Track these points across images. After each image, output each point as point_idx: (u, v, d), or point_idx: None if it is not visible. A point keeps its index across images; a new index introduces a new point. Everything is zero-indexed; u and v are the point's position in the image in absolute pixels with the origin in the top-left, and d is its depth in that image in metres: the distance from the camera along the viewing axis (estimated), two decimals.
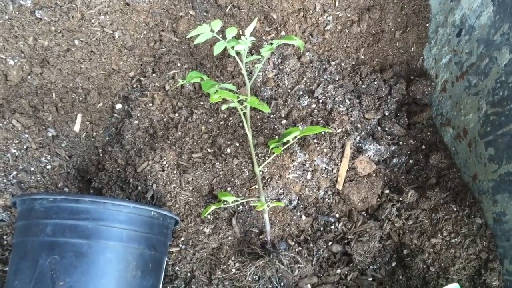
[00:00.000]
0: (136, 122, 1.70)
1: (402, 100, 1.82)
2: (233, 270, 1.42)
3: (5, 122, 1.57)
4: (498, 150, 1.39)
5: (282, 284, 1.43)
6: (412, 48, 1.90)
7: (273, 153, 1.49)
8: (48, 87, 1.72)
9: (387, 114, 1.77)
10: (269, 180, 1.55)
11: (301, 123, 1.67)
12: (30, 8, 1.69)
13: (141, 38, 1.84)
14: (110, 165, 1.62)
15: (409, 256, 1.48)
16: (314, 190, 1.59)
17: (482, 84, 1.49)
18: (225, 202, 1.39)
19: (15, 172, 1.51)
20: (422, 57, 1.90)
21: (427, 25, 1.88)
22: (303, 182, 1.58)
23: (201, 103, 1.75)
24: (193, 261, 1.45)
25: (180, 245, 1.47)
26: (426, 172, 1.65)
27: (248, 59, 1.37)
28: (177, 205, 1.50)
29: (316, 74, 1.83)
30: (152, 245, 1.26)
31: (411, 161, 1.69)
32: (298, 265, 1.45)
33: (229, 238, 1.48)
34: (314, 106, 1.73)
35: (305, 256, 1.48)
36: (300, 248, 1.50)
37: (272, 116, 1.71)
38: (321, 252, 1.50)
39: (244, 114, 1.38)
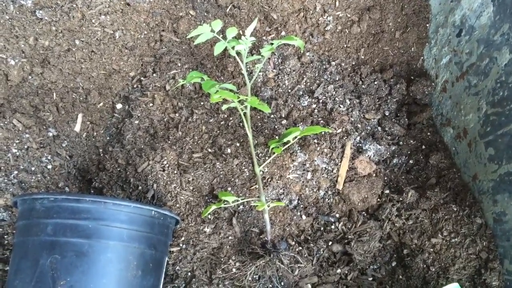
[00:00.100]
0: (136, 122, 1.71)
1: (402, 100, 1.82)
2: (234, 270, 1.43)
3: (6, 122, 1.57)
4: (498, 150, 1.40)
5: (282, 283, 1.43)
6: (412, 48, 1.90)
7: (274, 153, 1.49)
8: (49, 87, 1.72)
9: (387, 114, 1.77)
10: (269, 180, 1.55)
11: (301, 123, 1.67)
12: (30, 8, 1.69)
13: (142, 38, 1.84)
14: (111, 165, 1.63)
15: (409, 256, 1.48)
16: (314, 190, 1.59)
17: (482, 84, 1.49)
18: (226, 202, 1.39)
19: (16, 172, 1.52)
20: (422, 57, 1.90)
21: (427, 25, 1.89)
22: (303, 182, 1.58)
23: (202, 103, 1.75)
24: (194, 261, 1.46)
25: (181, 245, 1.47)
26: (426, 172, 1.65)
27: (248, 59, 1.37)
28: (177, 205, 1.50)
29: (317, 74, 1.83)
30: (153, 244, 1.26)
31: (411, 161, 1.69)
32: (299, 265, 1.45)
33: (230, 237, 1.48)
34: (314, 106, 1.73)
35: (306, 255, 1.48)
36: (300, 247, 1.50)
37: (272, 116, 1.72)
38: (321, 252, 1.50)
39: (245, 114, 1.38)
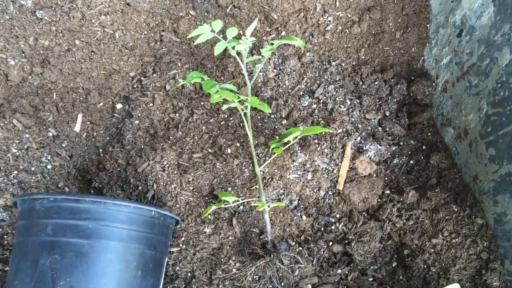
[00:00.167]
0: (136, 122, 1.70)
1: (403, 100, 1.82)
2: (234, 270, 1.42)
3: (6, 122, 1.57)
4: (499, 150, 1.39)
5: (282, 284, 1.43)
6: (413, 49, 1.90)
7: (274, 153, 1.49)
8: (49, 87, 1.72)
9: (387, 114, 1.77)
10: (269, 180, 1.55)
11: (302, 123, 1.67)
12: (31, 8, 1.69)
13: (142, 38, 1.84)
14: (111, 165, 1.62)
15: (409, 256, 1.48)
16: (315, 191, 1.58)
17: (482, 84, 1.49)
18: (226, 202, 1.39)
19: (15, 172, 1.51)
20: (422, 58, 1.90)
21: (428, 25, 1.88)
22: (303, 182, 1.58)
23: (202, 103, 1.75)
24: (194, 261, 1.45)
25: (181, 245, 1.47)
26: (426, 172, 1.65)
27: (248, 59, 1.37)
28: (177, 205, 1.50)
29: (317, 75, 1.83)
30: (153, 245, 1.26)
31: (411, 162, 1.69)
32: (299, 265, 1.45)
33: (230, 238, 1.48)
34: (314, 106, 1.73)
35: (306, 256, 1.48)
36: (300, 248, 1.49)
37: (272, 116, 1.71)
38: (322, 252, 1.50)
39: (245, 114, 1.38)
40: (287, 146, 1.44)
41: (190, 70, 1.81)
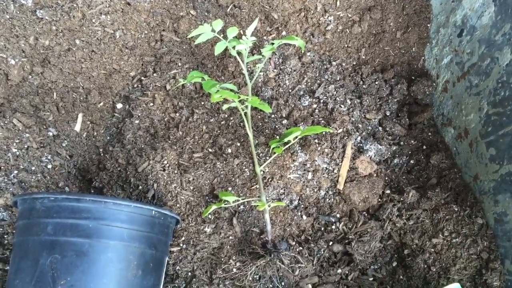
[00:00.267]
0: (137, 121, 1.70)
1: (403, 100, 1.82)
2: (234, 270, 1.42)
3: (6, 122, 1.57)
4: (499, 150, 1.39)
5: (283, 283, 1.43)
6: (413, 48, 1.90)
7: (274, 153, 1.49)
8: (49, 86, 1.72)
9: (388, 114, 1.77)
10: (270, 180, 1.55)
11: (302, 123, 1.67)
12: (31, 8, 1.69)
13: (142, 37, 1.84)
14: (111, 165, 1.62)
15: (410, 256, 1.48)
16: (315, 190, 1.58)
17: (483, 84, 1.49)
18: (226, 202, 1.39)
19: (16, 172, 1.51)
20: (423, 57, 1.90)
21: (428, 25, 1.88)
22: (304, 182, 1.58)
23: (202, 103, 1.75)
24: (194, 261, 1.45)
25: (181, 245, 1.47)
26: (427, 172, 1.65)
27: (249, 59, 1.37)
28: (178, 205, 1.50)
29: (317, 74, 1.83)
30: (153, 244, 1.26)
31: (412, 161, 1.69)
32: (299, 265, 1.45)
33: (230, 237, 1.48)
34: (315, 106, 1.73)
35: (306, 256, 1.48)
36: (301, 248, 1.49)
37: (273, 116, 1.71)
38: (322, 252, 1.50)
39: (245, 114, 1.38)
40: (287, 146, 1.44)
41: (191, 69, 1.81)
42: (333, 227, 1.56)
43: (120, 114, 1.79)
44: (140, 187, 1.53)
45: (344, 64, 1.87)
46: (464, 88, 1.61)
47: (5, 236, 1.43)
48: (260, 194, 1.42)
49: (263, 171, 1.55)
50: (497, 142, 1.40)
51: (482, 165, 1.49)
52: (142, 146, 1.64)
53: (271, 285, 1.42)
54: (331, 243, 1.52)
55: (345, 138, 1.64)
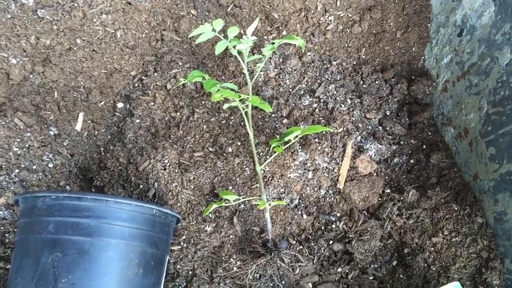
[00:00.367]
0: (138, 121, 1.71)
1: (403, 99, 1.82)
2: (235, 269, 1.43)
3: (7, 121, 1.57)
4: (499, 149, 1.40)
5: (283, 282, 1.43)
6: (413, 48, 1.90)
7: (275, 152, 1.49)
8: (50, 86, 1.72)
9: (388, 113, 1.77)
10: (270, 179, 1.55)
11: (303, 122, 1.67)
12: (32, 7, 1.69)
13: (143, 37, 1.84)
14: (112, 164, 1.63)
15: (410, 255, 1.48)
16: (315, 189, 1.59)
17: (483, 83, 1.49)
18: (227, 201, 1.39)
19: (17, 171, 1.52)
20: (423, 57, 1.90)
21: (428, 25, 1.89)
22: (304, 181, 1.58)
23: (203, 102, 1.75)
24: (195, 259, 1.46)
25: (182, 243, 1.47)
26: (427, 171, 1.65)
27: (249, 58, 1.38)
28: (178, 204, 1.50)
29: (318, 74, 1.83)
30: (154, 243, 1.26)
31: (412, 161, 1.69)
32: (299, 264, 1.45)
33: (231, 236, 1.48)
34: (315, 105, 1.73)
35: (306, 254, 1.48)
36: (301, 246, 1.50)
37: (273, 115, 1.72)
38: (322, 251, 1.51)
39: (246, 113, 1.38)
40: (287, 145, 1.44)
41: (191, 69, 1.81)
42: (333, 226, 1.56)
43: (121, 113, 1.79)
44: (141, 186, 1.54)
45: (344, 64, 1.87)
46: (464, 88, 1.61)
47: (7, 235, 1.43)
48: (260, 193, 1.43)
49: (264, 170, 1.55)
50: (497, 141, 1.41)
51: (482, 164, 1.49)
52: (143, 145, 1.64)
53: (271, 284, 1.42)
54: (331, 242, 1.53)
55: (345, 138, 1.65)
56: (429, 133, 1.76)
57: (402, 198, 1.56)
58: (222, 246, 1.47)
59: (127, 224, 1.20)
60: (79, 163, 1.70)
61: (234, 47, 1.34)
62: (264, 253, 1.42)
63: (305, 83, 1.80)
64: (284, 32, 1.89)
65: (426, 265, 1.45)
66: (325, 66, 1.85)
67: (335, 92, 1.76)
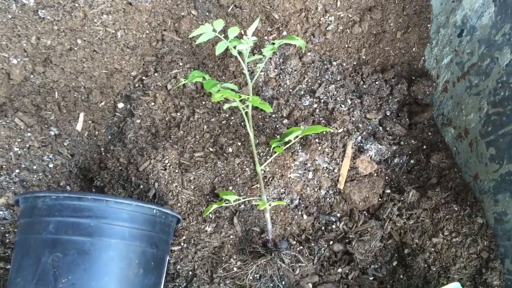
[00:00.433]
0: (138, 121, 1.71)
1: (404, 100, 1.82)
2: (235, 269, 1.43)
3: (8, 121, 1.57)
4: (499, 150, 1.40)
5: (283, 282, 1.43)
6: (414, 49, 1.90)
7: (275, 152, 1.50)
8: (51, 86, 1.72)
9: (388, 114, 1.77)
10: (270, 179, 1.55)
11: (303, 122, 1.67)
12: (33, 7, 1.70)
13: (144, 37, 1.84)
14: (112, 164, 1.63)
15: (410, 255, 1.48)
16: (316, 190, 1.59)
17: (483, 84, 1.49)
18: (227, 201, 1.39)
19: (17, 171, 1.52)
20: (423, 58, 1.90)
21: (429, 25, 1.89)
22: (304, 181, 1.58)
23: (203, 102, 1.75)
24: (195, 260, 1.46)
25: (182, 244, 1.47)
26: (427, 172, 1.65)
27: (250, 59, 1.38)
28: (179, 204, 1.50)
29: (318, 74, 1.83)
30: (154, 243, 1.26)
31: (412, 161, 1.69)
32: (300, 264, 1.45)
33: (231, 236, 1.48)
34: (315, 106, 1.73)
35: (307, 255, 1.48)
36: (301, 247, 1.50)
37: (273, 115, 1.72)
38: (322, 251, 1.51)
39: (246, 113, 1.38)
40: (288, 145, 1.44)
41: (192, 69, 1.81)
42: (334, 226, 1.56)
43: (121, 113, 1.79)
44: (141, 186, 1.54)
45: (344, 64, 1.87)
46: (464, 88, 1.61)
47: (7, 235, 1.43)
48: (260, 193, 1.43)
49: (264, 171, 1.55)
50: (497, 141, 1.41)
51: (482, 164, 1.49)
52: (143, 146, 1.64)
53: (271, 284, 1.42)
54: (331, 242, 1.53)
55: (345, 138, 1.65)
56: (429, 134, 1.76)
57: (402, 198, 1.56)
58: (222, 247, 1.47)
59: (127, 224, 1.20)
60: (79, 163, 1.70)
61: (235, 47, 1.34)
62: (264, 253, 1.42)
63: (306, 83, 1.80)
64: (285, 33, 1.89)
65: (426, 265, 1.45)
66: (326, 67, 1.85)
67: (336, 92, 1.76)
